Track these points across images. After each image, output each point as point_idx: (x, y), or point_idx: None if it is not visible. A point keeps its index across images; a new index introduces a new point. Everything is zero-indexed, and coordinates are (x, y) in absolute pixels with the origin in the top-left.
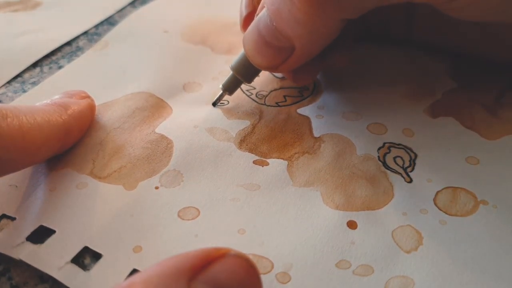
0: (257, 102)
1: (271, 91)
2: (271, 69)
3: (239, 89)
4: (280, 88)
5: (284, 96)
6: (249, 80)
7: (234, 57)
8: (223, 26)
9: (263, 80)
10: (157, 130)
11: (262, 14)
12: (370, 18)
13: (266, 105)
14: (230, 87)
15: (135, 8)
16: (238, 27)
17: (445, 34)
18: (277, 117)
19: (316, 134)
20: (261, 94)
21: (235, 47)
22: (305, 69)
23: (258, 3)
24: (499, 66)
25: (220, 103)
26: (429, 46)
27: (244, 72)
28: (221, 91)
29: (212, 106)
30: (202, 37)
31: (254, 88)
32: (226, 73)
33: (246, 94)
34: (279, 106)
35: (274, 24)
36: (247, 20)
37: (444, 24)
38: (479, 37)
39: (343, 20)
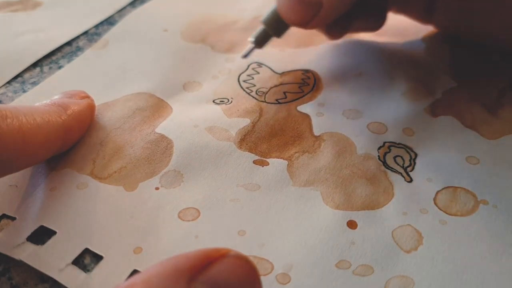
0: (257, 99)
1: (271, 87)
2: (302, 25)
3: (239, 87)
4: (280, 84)
5: (284, 93)
6: (279, 34)
7: (265, 12)
8: (223, 25)
9: (263, 76)
10: (157, 130)
11: None
12: None
13: (266, 102)
14: (260, 41)
15: (134, 8)
16: (238, 25)
17: (467, 20)
18: (277, 115)
19: (316, 132)
20: (261, 91)
21: (236, 45)
22: (337, 25)
23: None
24: (499, 65)
25: (220, 101)
26: (446, 32)
27: (275, 27)
28: (251, 44)
29: (213, 103)
30: (202, 35)
31: (254, 85)
32: (226, 72)
33: (246, 92)
34: (279, 103)
35: None
36: None
37: (467, 9)
38: (501, 24)
39: None
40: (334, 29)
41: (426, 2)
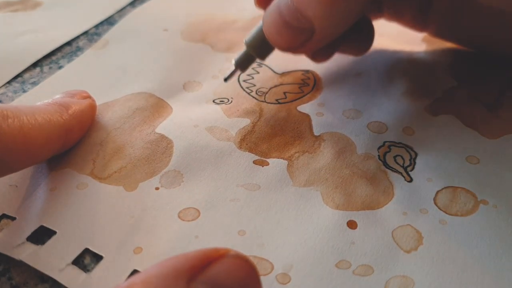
0: (257, 99)
1: (271, 87)
2: (290, 50)
3: (239, 87)
4: (280, 84)
5: (284, 93)
6: (263, 57)
7: (249, 32)
8: (223, 24)
9: (263, 76)
10: (157, 130)
11: None
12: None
13: (266, 103)
14: (243, 63)
15: (134, 8)
16: (238, 24)
17: (462, 26)
18: (277, 115)
19: (316, 132)
20: (261, 91)
21: (235, 44)
22: (322, 49)
23: None
24: (500, 65)
25: (220, 101)
26: (442, 38)
27: (259, 49)
28: (234, 68)
29: (213, 103)
30: (202, 35)
31: (254, 85)
32: (226, 72)
33: (246, 92)
34: (279, 103)
35: (295, 4)
36: None
37: (463, 15)
38: (497, 30)
39: (365, 2)
40: (319, 53)
41: (420, 7)
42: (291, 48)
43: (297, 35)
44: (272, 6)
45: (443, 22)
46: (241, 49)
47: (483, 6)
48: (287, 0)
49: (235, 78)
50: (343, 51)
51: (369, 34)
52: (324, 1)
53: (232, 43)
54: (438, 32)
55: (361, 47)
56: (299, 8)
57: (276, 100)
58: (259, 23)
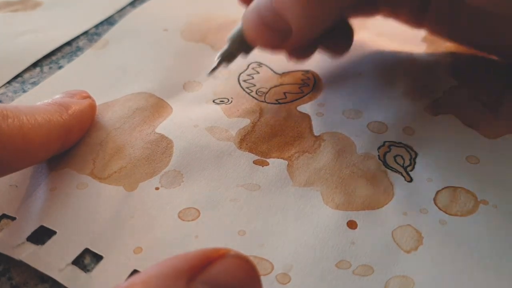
0: (257, 99)
1: (271, 88)
2: (269, 50)
3: (239, 87)
4: (280, 84)
5: (284, 93)
6: (247, 52)
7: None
8: (223, 23)
9: (263, 77)
10: (157, 130)
11: None
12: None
13: (266, 103)
14: (227, 58)
15: (134, 8)
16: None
17: (461, 26)
18: (277, 115)
19: (316, 132)
20: (261, 91)
21: None
22: (301, 49)
23: None
24: (500, 65)
25: (220, 101)
26: (440, 36)
27: (240, 44)
28: (218, 60)
29: (213, 103)
30: (202, 35)
31: (254, 85)
32: (226, 72)
33: (246, 92)
34: (279, 103)
35: (274, 5)
36: None
37: (462, 14)
38: (494, 30)
39: (342, 7)
40: (297, 53)
41: (417, 5)
42: (270, 47)
43: (275, 35)
44: (251, 6)
45: (441, 21)
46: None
47: (478, 8)
48: (266, 1)
49: (235, 78)
50: (323, 51)
51: (348, 35)
52: (301, 3)
53: None
54: (436, 31)
55: (339, 48)
56: (277, 9)
57: (276, 100)
58: (240, 21)
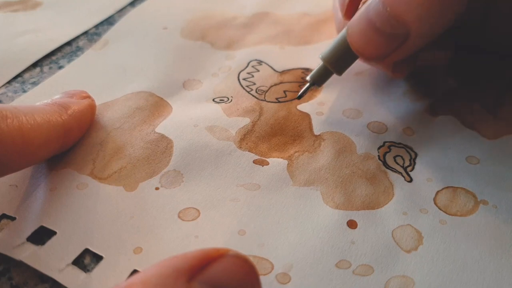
0: (257, 98)
1: (271, 86)
2: (379, 58)
3: (239, 85)
4: (280, 83)
5: (284, 92)
6: (341, 72)
7: (325, 47)
8: (222, 21)
9: (263, 75)
10: (157, 130)
11: (372, 0)
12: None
13: (266, 101)
14: (319, 79)
15: (134, 8)
16: (237, 21)
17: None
18: (277, 114)
19: (316, 132)
20: (261, 90)
21: (235, 42)
22: (406, 60)
23: None
24: (499, 66)
25: (220, 100)
26: (499, 50)
27: (337, 63)
28: (309, 83)
29: (213, 102)
30: (202, 33)
31: (254, 84)
32: (226, 70)
33: (246, 90)
34: (279, 102)
35: (388, 9)
36: (350, 6)
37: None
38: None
39: (462, 4)
40: (401, 65)
41: (479, 18)
42: (382, 55)
43: (390, 42)
44: (358, 16)
45: (501, 40)
46: (241, 46)
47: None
48: (377, 7)
49: (235, 76)
50: (425, 62)
51: (448, 46)
52: (426, 4)
53: (232, 41)
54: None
55: (438, 60)
56: (394, 12)
57: (276, 99)
58: (337, 37)
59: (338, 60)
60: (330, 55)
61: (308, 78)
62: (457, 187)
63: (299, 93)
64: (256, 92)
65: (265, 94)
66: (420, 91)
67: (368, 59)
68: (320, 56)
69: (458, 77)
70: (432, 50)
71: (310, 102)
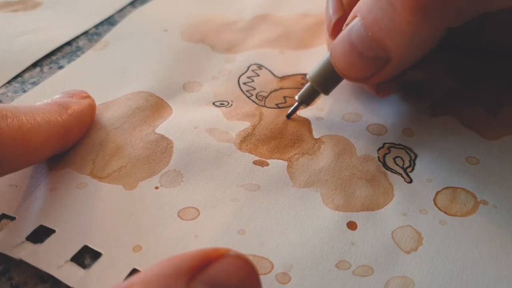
0: (257, 103)
1: (271, 91)
2: (361, 80)
3: (239, 89)
4: (280, 88)
5: (284, 97)
6: (328, 91)
7: (313, 67)
8: (223, 24)
9: (263, 80)
10: (157, 131)
11: (354, 23)
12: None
13: (266, 107)
14: (307, 99)
15: (135, 8)
16: (238, 25)
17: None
18: (277, 119)
19: (316, 135)
20: (261, 95)
21: (235, 45)
22: (390, 81)
23: (348, 7)
24: (499, 66)
25: (220, 104)
26: (499, 50)
27: (323, 84)
28: (297, 103)
29: (213, 106)
30: (202, 35)
31: (254, 89)
32: (226, 73)
33: (246, 95)
34: (279, 107)
35: (370, 34)
36: (337, 26)
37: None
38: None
39: (445, 29)
40: (385, 85)
41: (476, 27)
42: (364, 78)
43: (371, 65)
44: (341, 38)
45: (500, 46)
46: (241, 50)
47: None
48: (359, 30)
49: (235, 79)
50: (414, 77)
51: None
52: (405, 30)
53: (232, 44)
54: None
55: (425, 73)
56: (375, 38)
57: (276, 104)
58: (323, 58)
59: (325, 81)
60: (316, 75)
61: (296, 97)
62: (457, 188)
63: (288, 113)
64: (256, 97)
65: (265, 99)
66: (419, 92)
67: (352, 80)
68: (308, 76)
69: (458, 78)
70: (416, 67)
71: (310, 107)
